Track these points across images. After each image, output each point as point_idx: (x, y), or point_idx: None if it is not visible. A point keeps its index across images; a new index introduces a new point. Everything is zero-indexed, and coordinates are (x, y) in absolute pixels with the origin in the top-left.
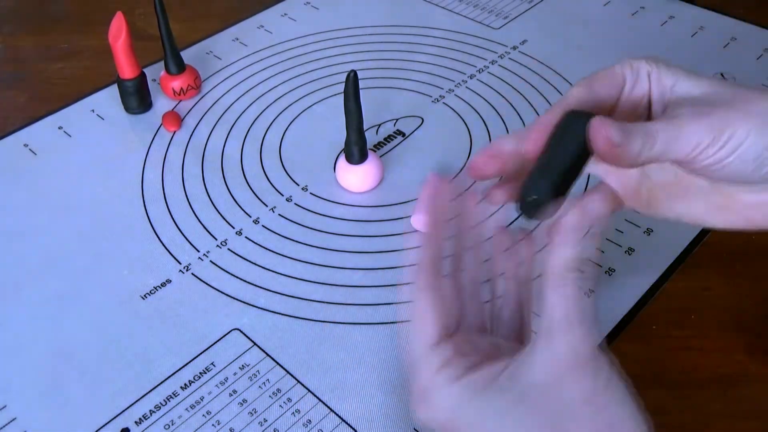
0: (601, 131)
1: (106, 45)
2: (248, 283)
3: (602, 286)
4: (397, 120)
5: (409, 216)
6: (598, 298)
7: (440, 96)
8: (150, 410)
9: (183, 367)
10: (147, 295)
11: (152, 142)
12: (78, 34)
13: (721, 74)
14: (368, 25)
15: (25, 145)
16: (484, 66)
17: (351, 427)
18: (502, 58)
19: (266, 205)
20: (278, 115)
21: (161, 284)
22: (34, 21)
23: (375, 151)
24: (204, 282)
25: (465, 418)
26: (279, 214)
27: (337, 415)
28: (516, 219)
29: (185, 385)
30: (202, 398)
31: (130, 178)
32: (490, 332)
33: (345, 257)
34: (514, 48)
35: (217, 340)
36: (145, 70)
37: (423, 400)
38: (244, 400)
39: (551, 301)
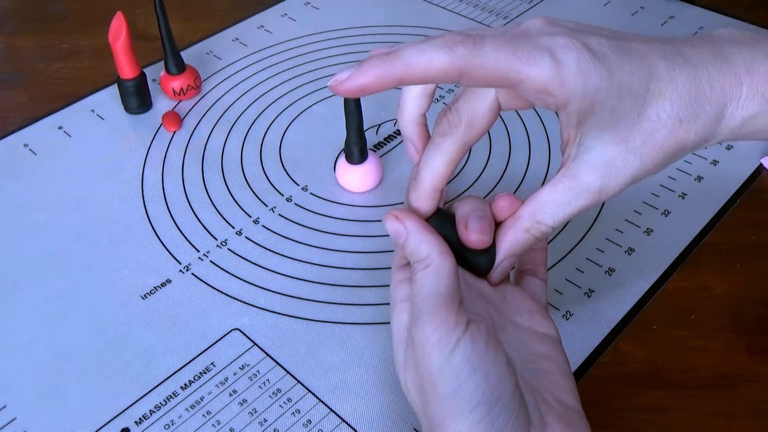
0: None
1: (106, 45)
2: (248, 283)
3: (602, 286)
4: (397, 120)
5: None
6: (598, 298)
7: (440, 96)
8: (150, 410)
9: (183, 367)
10: (147, 295)
11: (152, 142)
12: (78, 34)
13: None
14: (368, 25)
15: (25, 145)
16: None
17: (351, 427)
18: None
19: (266, 205)
20: (278, 115)
21: (161, 284)
22: (34, 21)
23: (375, 151)
24: (204, 282)
25: None
26: (279, 214)
27: (337, 415)
28: None
29: (185, 385)
30: (202, 398)
31: (130, 178)
32: None
33: (345, 257)
34: None
35: (217, 340)
36: (145, 70)
37: None
38: (244, 400)
39: None
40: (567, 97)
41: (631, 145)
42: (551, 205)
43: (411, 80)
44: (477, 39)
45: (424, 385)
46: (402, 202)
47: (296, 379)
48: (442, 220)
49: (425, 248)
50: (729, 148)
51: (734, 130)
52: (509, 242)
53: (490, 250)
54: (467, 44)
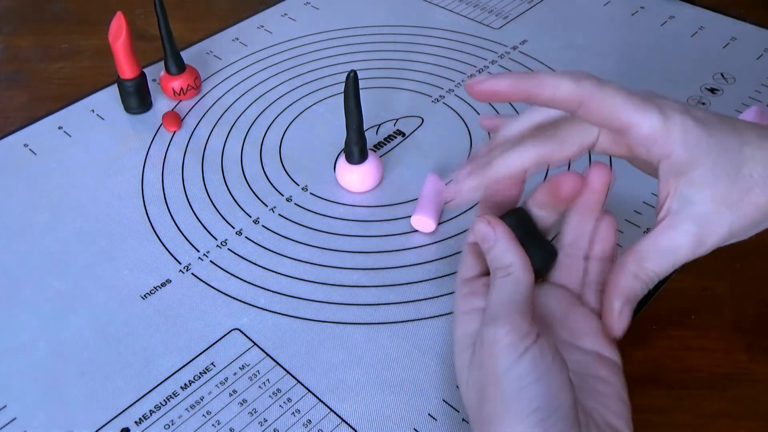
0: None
1: (106, 45)
2: (248, 283)
3: None
4: (397, 120)
5: (409, 216)
6: None
7: (440, 96)
8: (150, 410)
9: (183, 367)
10: (147, 295)
11: (152, 142)
12: (78, 34)
13: (722, 74)
14: (368, 25)
15: (25, 145)
16: (484, 66)
17: (351, 427)
18: (502, 58)
19: (266, 205)
20: (278, 115)
21: (161, 284)
22: (34, 21)
23: (375, 151)
24: (204, 282)
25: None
26: (279, 214)
27: (337, 415)
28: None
29: (185, 385)
30: (202, 398)
31: (130, 178)
32: None
33: (345, 257)
34: (514, 48)
35: (217, 340)
36: (145, 70)
37: None
38: (244, 400)
39: None
40: (670, 147)
41: (728, 201)
42: (653, 251)
43: (538, 97)
44: (601, 80)
45: (487, 384)
46: (401, 202)
47: (296, 379)
48: (513, 222)
49: (510, 257)
50: None
51: None
52: (623, 289)
53: (552, 249)
54: (593, 81)
